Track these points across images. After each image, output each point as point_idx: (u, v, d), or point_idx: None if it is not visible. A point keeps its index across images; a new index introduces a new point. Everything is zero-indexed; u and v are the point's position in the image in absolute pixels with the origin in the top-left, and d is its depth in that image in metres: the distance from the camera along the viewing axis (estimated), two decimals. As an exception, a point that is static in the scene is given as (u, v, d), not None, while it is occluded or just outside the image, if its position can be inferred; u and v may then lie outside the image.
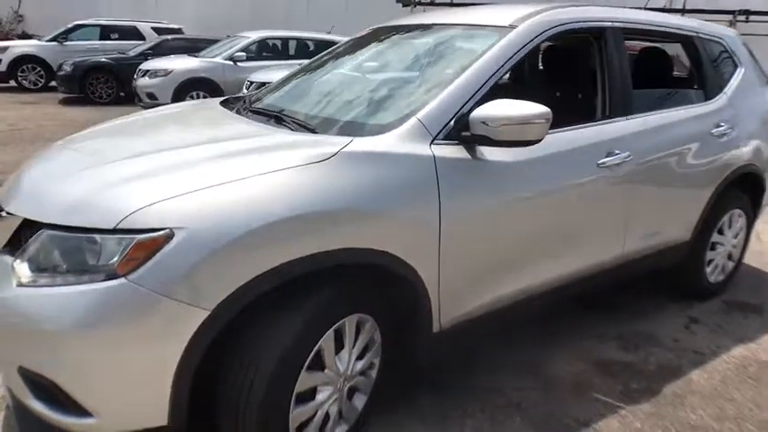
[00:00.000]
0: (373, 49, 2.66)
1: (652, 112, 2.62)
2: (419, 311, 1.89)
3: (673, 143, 2.66)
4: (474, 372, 2.45)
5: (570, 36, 2.38)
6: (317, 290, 1.65)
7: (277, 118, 2.16)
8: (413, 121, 1.86)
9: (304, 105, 2.28)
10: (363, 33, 2.95)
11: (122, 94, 10.65)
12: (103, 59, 10.71)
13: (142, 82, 8.97)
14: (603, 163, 2.31)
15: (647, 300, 3.25)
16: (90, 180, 1.65)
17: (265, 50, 10.10)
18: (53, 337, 1.45)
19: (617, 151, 2.36)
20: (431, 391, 2.30)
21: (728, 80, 3.12)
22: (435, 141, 1.86)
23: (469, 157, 1.91)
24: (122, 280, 1.41)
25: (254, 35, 9.68)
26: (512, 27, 2.19)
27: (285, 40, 10.26)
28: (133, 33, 12.65)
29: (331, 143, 1.74)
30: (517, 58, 2.11)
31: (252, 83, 7.92)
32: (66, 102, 10.64)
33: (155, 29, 12.86)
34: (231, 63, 9.19)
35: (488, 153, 1.95)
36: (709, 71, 3.02)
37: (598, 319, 2.99)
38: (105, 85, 10.58)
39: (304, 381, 1.64)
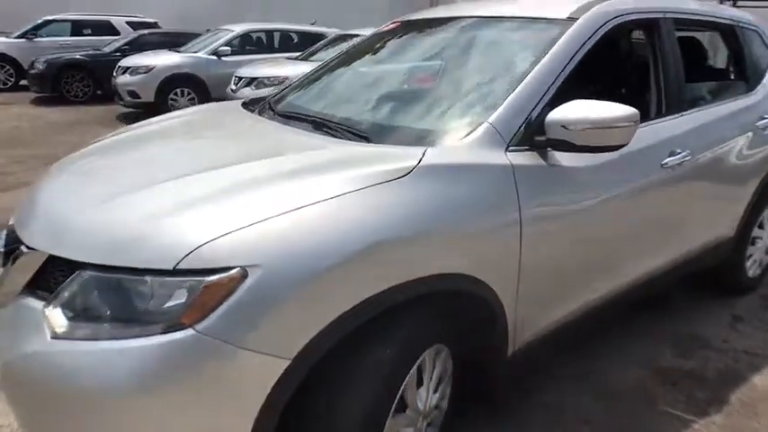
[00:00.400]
0: (409, 44, 2.46)
1: (703, 107, 2.50)
2: (495, 335, 1.73)
3: (724, 138, 2.55)
4: (532, 388, 2.30)
5: (625, 28, 2.22)
6: (402, 323, 1.47)
7: (317, 123, 1.96)
8: (485, 126, 1.69)
9: (347, 109, 2.08)
10: (389, 27, 2.74)
11: (99, 92, 10.19)
12: (78, 56, 10.22)
13: (123, 79, 8.57)
14: (666, 163, 2.18)
15: (685, 299, 3.15)
16: (132, 209, 1.42)
17: (248, 44, 9.76)
18: (101, 401, 1.23)
19: (678, 150, 2.23)
20: (491, 414, 2.14)
21: (766, 71, 3.01)
22: (510, 148, 1.69)
23: (545, 163, 1.75)
24: (189, 331, 1.20)
25: (238, 28, 9.33)
26: (572, 19, 2.02)
27: (269, 33, 9.93)
28: (107, 28, 12.14)
29: (402, 156, 1.55)
30: (582, 53, 1.95)
31: (240, 78, 7.64)
32: (39, 102, 10.13)
33: (129, 23, 12.36)
34: (215, 58, 8.84)
35: (562, 159, 1.79)
36: (749, 62, 2.91)
37: (643, 320, 2.87)
38: (81, 84, 10.10)
39: (391, 427, 1.47)
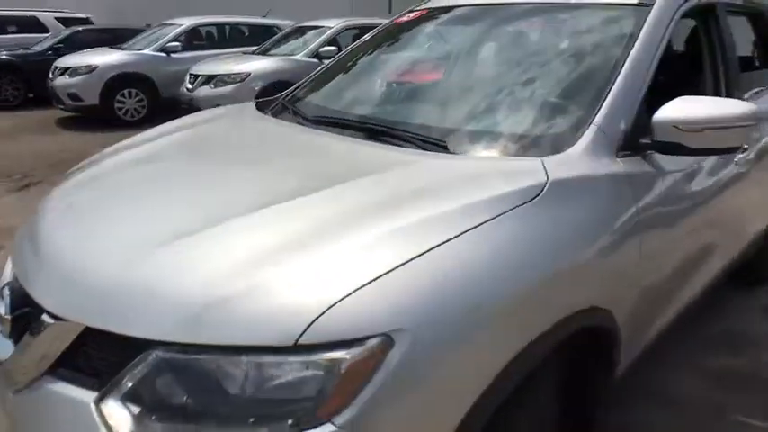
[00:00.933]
0: (452, 35, 2.20)
1: (753, 97, 2.39)
2: (607, 363, 1.52)
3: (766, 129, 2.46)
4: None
5: (693, 12, 2.05)
6: (540, 375, 1.22)
7: (371, 131, 1.67)
8: (593, 129, 1.46)
9: (403, 112, 1.80)
10: (412, 16, 2.46)
11: (31, 95, 9.30)
12: (5, 56, 9.25)
13: (61, 81, 7.80)
14: (738, 159, 2.04)
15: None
16: (206, 260, 1.09)
17: (197, 39, 9.16)
18: None
19: (745, 145, 2.10)
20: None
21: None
22: (619, 154, 1.48)
23: (652, 169, 1.55)
24: (328, 427, 0.90)
25: (187, 22, 8.70)
26: (644, 5, 1.83)
27: (220, 27, 9.34)
28: (33, 25, 11.11)
29: (522, 171, 1.31)
30: (665, 43, 1.76)
31: (197, 76, 7.12)
32: (-39, 108, 9.13)
33: (59, 19, 11.37)
34: (164, 55, 8.21)
35: (664, 162, 1.60)
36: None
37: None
38: (11, 87, 9.16)
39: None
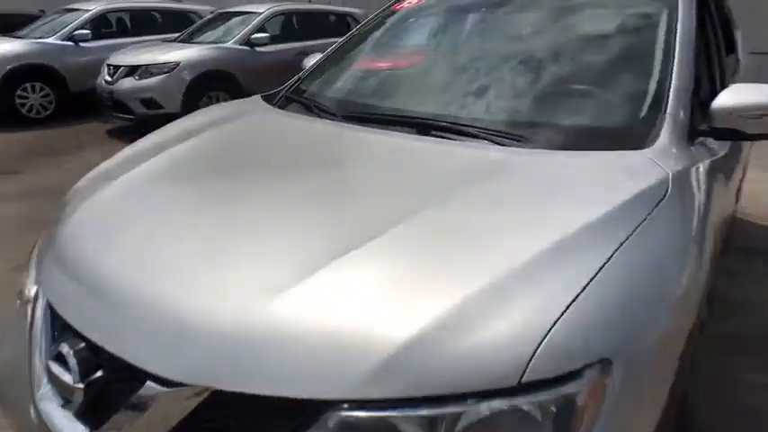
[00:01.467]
0: (460, 22, 2.12)
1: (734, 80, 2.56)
2: None
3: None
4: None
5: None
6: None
7: (422, 126, 1.59)
8: (669, 119, 1.48)
9: (446, 104, 1.72)
10: (411, 3, 2.37)
11: None
12: None
13: (-53, 75, 6.83)
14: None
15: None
16: (377, 298, 0.95)
17: (105, 27, 8.36)
18: None
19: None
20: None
21: (737, 40, 3.22)
22: (689, 141, 1.52)
23: (711, 155, 1.60)
24: None
25: (95, 7, 7.90)
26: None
27: (133, 13, 8.56)
28: None
29: (636, 165, 1.28)
30: (695, 27, 1.82)
31: (117, 67, 6.50)
32: None
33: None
34: (72, 44, 7.42)
35: (716, 147, 1.66)
36: (730, 32, 3.07)
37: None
38: None
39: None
